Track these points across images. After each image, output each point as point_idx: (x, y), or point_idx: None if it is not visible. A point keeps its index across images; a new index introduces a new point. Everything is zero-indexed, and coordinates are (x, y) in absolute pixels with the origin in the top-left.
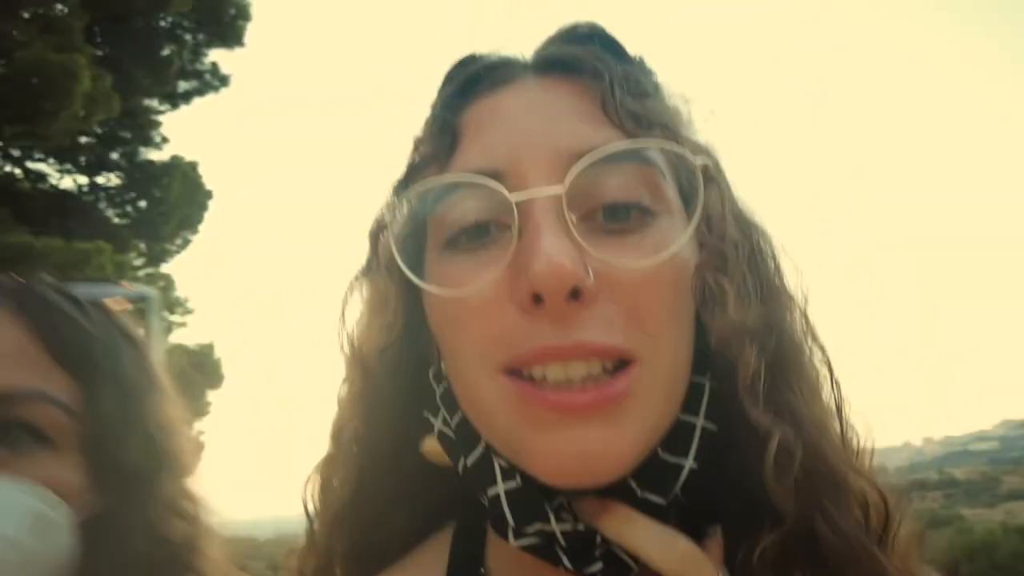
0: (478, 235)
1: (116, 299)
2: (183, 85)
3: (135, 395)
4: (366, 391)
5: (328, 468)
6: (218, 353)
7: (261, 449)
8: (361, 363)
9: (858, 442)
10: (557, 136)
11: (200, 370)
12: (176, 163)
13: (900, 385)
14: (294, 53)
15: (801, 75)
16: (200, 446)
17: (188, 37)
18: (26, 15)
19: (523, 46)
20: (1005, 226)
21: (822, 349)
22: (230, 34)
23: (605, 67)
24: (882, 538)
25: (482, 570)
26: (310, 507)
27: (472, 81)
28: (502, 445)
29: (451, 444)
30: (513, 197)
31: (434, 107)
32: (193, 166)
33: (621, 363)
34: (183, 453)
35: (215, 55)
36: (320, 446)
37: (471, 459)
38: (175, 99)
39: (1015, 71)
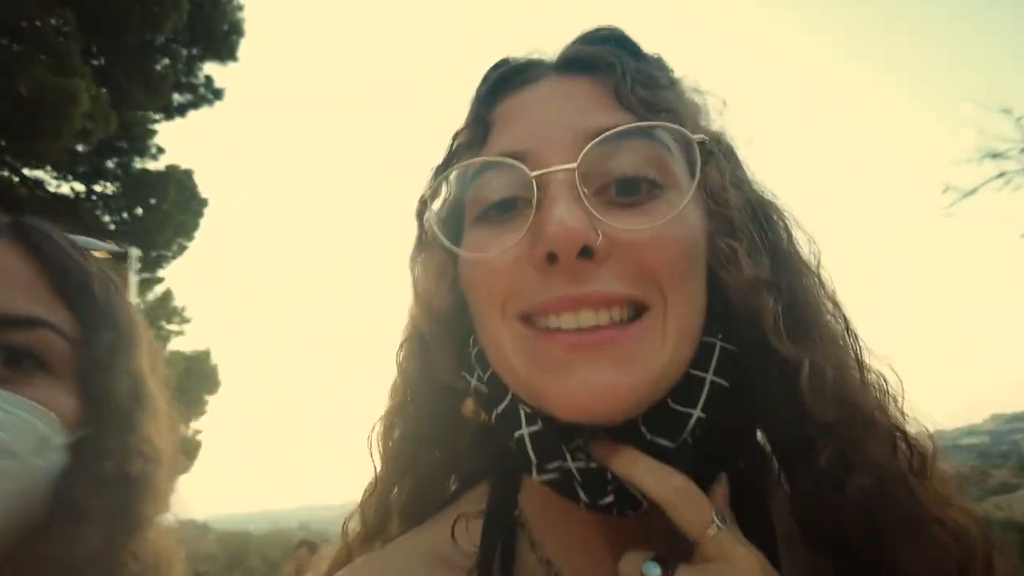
0: (505, 209)
1: (99, 251)
2: (178, 98)
3: (125, 335)
4: (429, 351)
5: (390, 419)
6: (215, 359)
7: (257, 448)
8: (435, 321)
9: (881, 388)
10: (573, 120)
11: (197, 376)
12: (171, 172)
13: (891, 379)
14: (286, 65)
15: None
16: (197, 445)
17: (183, 51)
18: (26, 37)
19: (511, 44)
20: (1002, 225)
21: (837, 306)
22: (224, 49)
23: (620, 62)
24: (918, 471)
25: (516, 510)
26: (374, 454)
27: (502, 80)
28: (522, 389)
29: (484, 398)
30: (532, 173)
31: (471, 103)
32: (188, 174)
33: (632, 316)
34: (158, 398)
35: (209, 68)
36: (315, 445)
37: (500, 408)
38: (170, 112)
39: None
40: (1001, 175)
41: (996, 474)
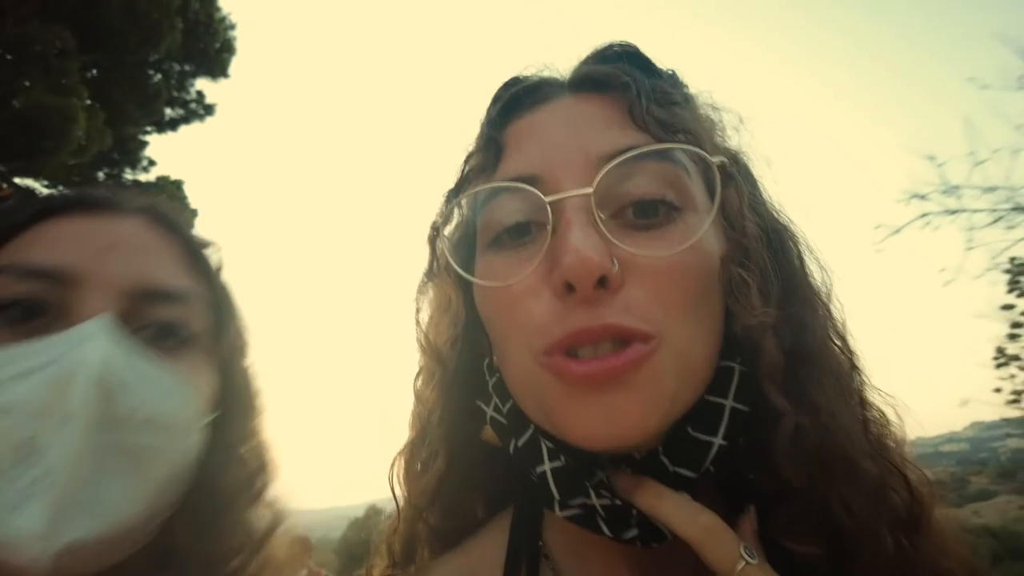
0: (519, 234)
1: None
2: (170, 113)
3: (242, 323)
4: (440, 382)
5: (411, 452)
6: None
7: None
8: (436, 356)
9: (881, 429)
10: (587, 142)
11: None
12: (162, 183)
13: (892, 415)
14: (277, 81)
15: None
16: None
17: (176, 68)
18: (25, 56)
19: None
20: None
21: (845, 342)
22: (216, 66)
23: (633, 80)
24: (909, 522)
25: (540, 542)
26: (397, 490)
27: (514, 100)
28: (544, 420)
29: (503, 429)
30: (547, 198)
31: (482, 125)
32: (178, 185)
33: (634, 341)
34: (260, 394)
35: (200, 83)
36: (311, 447)
37: (521, 441)
38: (163, 126)
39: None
40: (923, 215)
41: (975, 480)
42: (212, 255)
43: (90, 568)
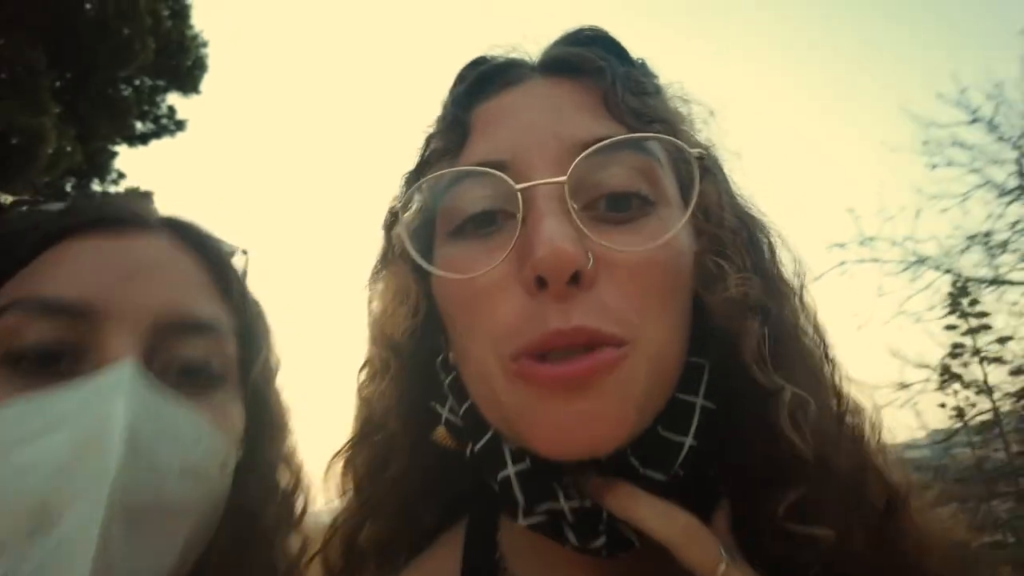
0: (485, 223)
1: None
2: (140, 127)
3: (273, 345)
4: (396, 376)
5: (352, 451)
6: None
7: None
8: (392, 347)
9: (858, 420)
10: (561, 129)
11: None
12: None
13: (868, 407)
14: (250, 95)
15: None
16: None
17: (147, 82)
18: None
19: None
20: None
21: (819, 332)
22: (187, 82)
23: (608, 66)
24: (886, 517)
25: (497, 554)
26: (332, 491)
27: (482, 81)
28: (506, 424)
29: (459, 432)
30: (518, 186)
31: (445, 104)
32: (148, 197)
33: (605, 344)
34: (289, 413)
35: (172, 98)
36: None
37: (480, 444)
38: (133, 140)
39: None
40: (841, 263)
41: (935, 485)
42: (239, 264)
43: None
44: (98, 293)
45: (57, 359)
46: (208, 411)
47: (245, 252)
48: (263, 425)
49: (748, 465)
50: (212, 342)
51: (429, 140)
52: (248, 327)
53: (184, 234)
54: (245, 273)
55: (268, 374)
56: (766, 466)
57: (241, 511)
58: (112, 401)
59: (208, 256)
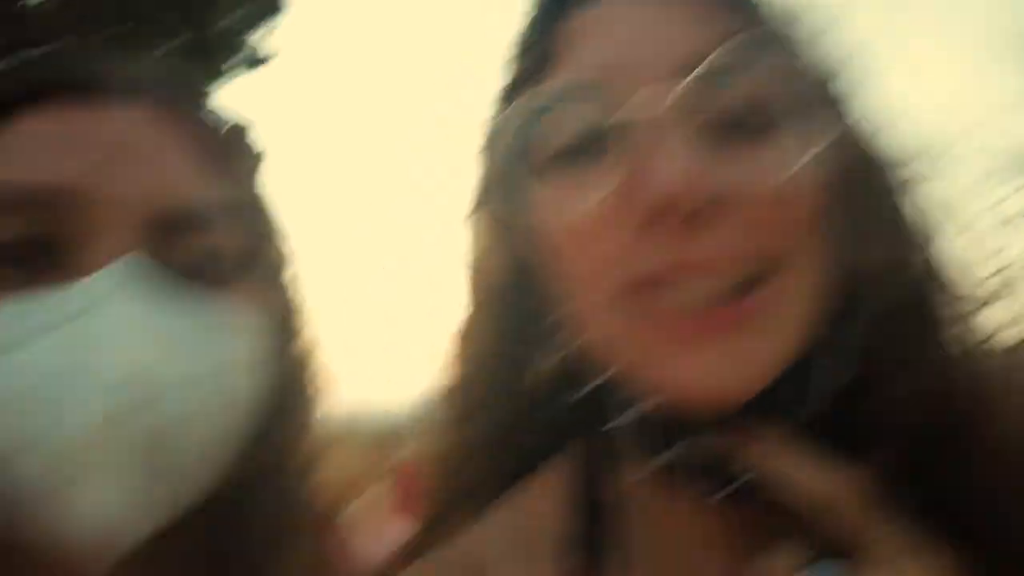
0: (585, 152)
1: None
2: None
3: (280, 230)
4: (486, 319)
5: (452, 400)
6: None
7: None
8: (488, 290)
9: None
10: (671, 37)
11: None
12: None
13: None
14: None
15: None
16: None
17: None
18: None
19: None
20: None
21: (946, 290)
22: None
23: None
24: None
25: (599, 499)
26: (436, 430)
27: None
28: (624, 371)
29: (564, 377)
30: (623, 108)
31: (529, 21)
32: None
33: (748, 281)
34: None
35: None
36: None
37: (589, 389)
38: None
39: None
40: None
41: None
42: (240, 141)
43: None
44: (77, 179)
45: (33, 260)
46: (218, 314)
47: (246, 126)
48: (279, 322)
49: (895, 408)
50: (218, 230)
51: (514, 62)
52: (253, 213)
53: (171, 100)
54: (252, 151)
55: (277, 268)
56: (914, 408)
57: (263, 418)
58: (115, 309)
59: (203, 129)
